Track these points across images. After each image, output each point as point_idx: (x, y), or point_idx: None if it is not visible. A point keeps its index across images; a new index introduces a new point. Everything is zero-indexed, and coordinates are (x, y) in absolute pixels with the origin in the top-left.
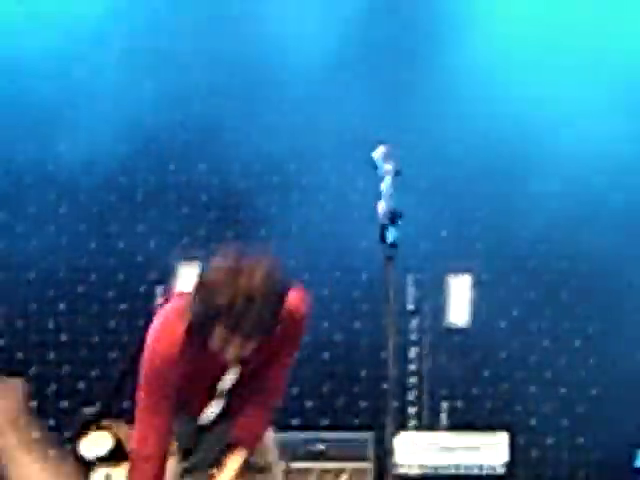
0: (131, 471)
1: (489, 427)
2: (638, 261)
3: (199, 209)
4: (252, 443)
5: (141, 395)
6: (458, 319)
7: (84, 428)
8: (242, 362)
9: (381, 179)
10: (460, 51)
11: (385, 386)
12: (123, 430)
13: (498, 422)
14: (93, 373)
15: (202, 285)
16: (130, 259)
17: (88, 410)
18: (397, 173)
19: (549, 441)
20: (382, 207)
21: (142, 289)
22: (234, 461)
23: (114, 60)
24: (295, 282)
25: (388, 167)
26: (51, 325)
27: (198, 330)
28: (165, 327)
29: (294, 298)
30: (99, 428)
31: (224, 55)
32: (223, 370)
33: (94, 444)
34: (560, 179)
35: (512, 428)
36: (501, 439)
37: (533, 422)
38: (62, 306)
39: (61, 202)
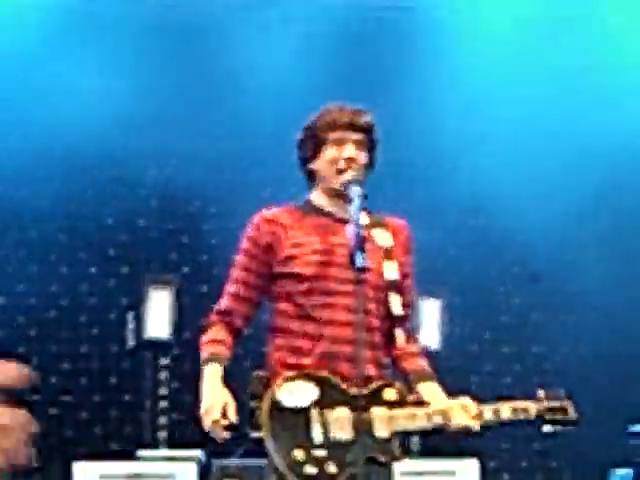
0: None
1: (460, 452)
2: (610, 280)
3: (169, 234)
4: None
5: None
6: (429, 342)
7: None
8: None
9: (349, 202)
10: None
11: None
12: None
13: (469, 447)
14: (65, 399)
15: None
16: (101, 284)
17: None
18: (365, 197)
19: (522, 465)
20: (351, 231)
21: (113, 315)
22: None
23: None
24: None
25: (356, 189)
26: (22, 350)
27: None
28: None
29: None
30: None
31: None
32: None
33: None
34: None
35: (483, 453)
36: (471, 464)
37: (505, 446)
38: (32, 332)
39: (32, 229)
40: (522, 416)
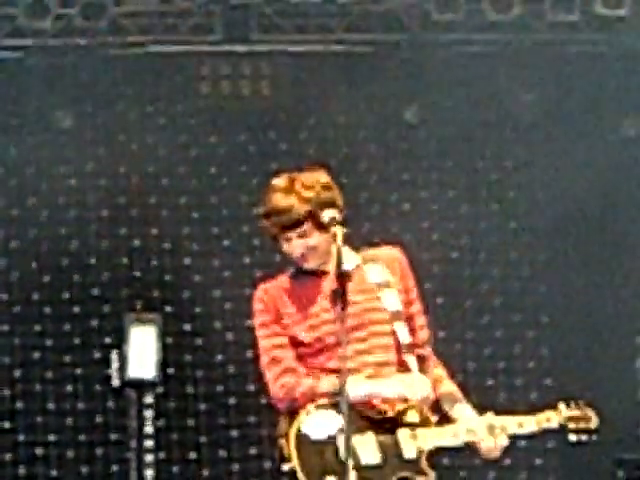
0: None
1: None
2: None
3: (151, 272)
4: None
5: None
6: None
7: None
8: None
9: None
10: None
11: None
12: None
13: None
14: (50, 439)
15: None
16: (84, 323)
17: None
18: (343, 224)
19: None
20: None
21: (97, 354)
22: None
23: None
24: None
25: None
26: (7, 392)
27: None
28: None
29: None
30: None
31: None
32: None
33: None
34: None
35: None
36: None
37: (491, 476)
38: (17, 373)
39: (14, 270)
40: (545, 426)
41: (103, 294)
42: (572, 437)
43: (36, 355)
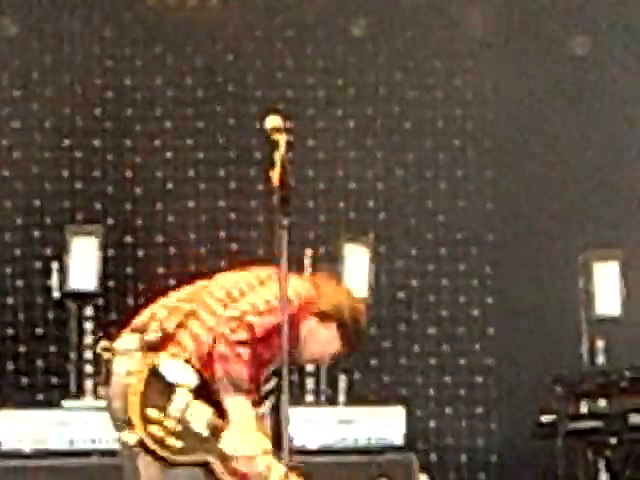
0: None
1: (387, 400)
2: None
3: (93, 184)
4: None
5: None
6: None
7: None
8: None
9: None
10: None
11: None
12: None
13: (395, 395)
14: None
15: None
16: (26, 235)
17: None
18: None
19: (447, 411)
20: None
21: (38, 265)
22: None
23: None
24: None
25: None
26: None
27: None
28: None
29: None
30: None
31: None
32: None
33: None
34: None
35: (410, 400)
36: (398, 411)
37: (431, 393)
38: None
39: None
40: None
41: (45, 205)
42: None
43: None
